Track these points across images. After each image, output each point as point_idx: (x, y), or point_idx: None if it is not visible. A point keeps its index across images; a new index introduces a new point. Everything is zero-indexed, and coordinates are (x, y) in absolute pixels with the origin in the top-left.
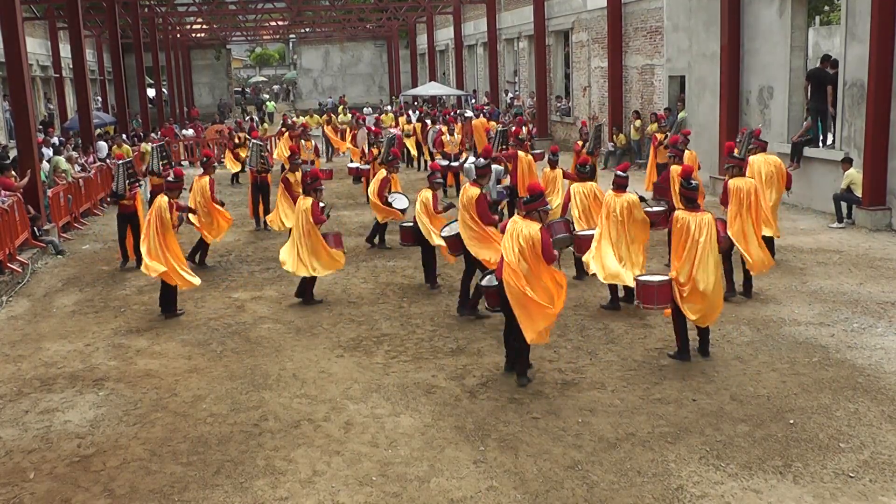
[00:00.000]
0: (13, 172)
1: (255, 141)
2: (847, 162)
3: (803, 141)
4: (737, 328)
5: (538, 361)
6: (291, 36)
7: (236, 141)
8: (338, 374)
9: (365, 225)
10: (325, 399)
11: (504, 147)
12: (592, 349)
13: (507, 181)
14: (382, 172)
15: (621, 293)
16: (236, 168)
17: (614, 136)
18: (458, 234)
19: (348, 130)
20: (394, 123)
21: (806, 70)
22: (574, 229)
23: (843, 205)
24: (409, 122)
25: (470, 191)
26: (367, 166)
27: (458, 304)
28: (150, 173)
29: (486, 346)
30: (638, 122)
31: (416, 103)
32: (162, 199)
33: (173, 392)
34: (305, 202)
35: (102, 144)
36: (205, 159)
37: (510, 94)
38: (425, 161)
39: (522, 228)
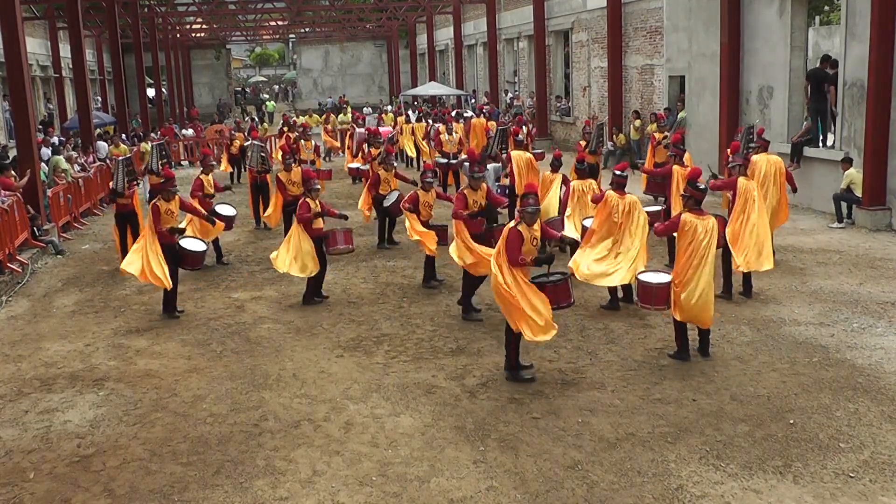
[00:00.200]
0: (13, 172)
1: (255, 141)
2: (847, 162)
3: (803, 141)
4: (737, 328)
5: (538, 361)
6: (291, 36)
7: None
8: (338, 374)
9: (365, 225)
10: (325, 399)
11: (504, 147)
12: (592, 349)
13: (506, 181)
14: (382, 173)
15: (621, 294)
16: (228, 170)
17: (614, 136)
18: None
19: (349, 131)
20: (393, 123)
21: (806, 70)
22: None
23: (843, 205)
24: (407, 122)
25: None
26: (367, 166)
27: (461, 306)
28: (150, 172)
29: (486, 346)
30: (638, 122)
31: (415, 103)
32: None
33: (173, 392)
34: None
35: (102, 144)
36: (202, 157)
37: (510, 94)
38: (425, 161)
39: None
